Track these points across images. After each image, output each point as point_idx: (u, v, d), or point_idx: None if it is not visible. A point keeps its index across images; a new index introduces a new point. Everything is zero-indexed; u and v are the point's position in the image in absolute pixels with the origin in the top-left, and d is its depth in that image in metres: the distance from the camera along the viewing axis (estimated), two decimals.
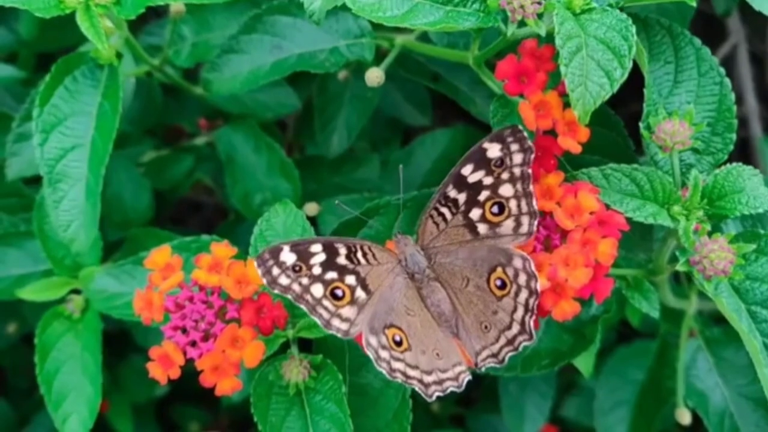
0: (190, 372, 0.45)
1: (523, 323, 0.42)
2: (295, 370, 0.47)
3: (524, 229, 0.42)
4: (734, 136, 0.46)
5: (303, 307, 0.42)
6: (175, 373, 0.44)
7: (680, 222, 0.42)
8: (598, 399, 0.70)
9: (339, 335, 0.43)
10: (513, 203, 0.42)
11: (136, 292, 0.46)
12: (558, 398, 0.78)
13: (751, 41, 0.82)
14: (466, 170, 0.43)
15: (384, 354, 0.42)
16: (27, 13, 0.67)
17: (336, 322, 0.43)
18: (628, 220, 0.42)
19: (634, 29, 0.39)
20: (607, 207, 0.42)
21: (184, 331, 0.45)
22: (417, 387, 0.43)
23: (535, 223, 0.42)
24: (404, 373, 0.42)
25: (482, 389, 0.84)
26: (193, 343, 0.44)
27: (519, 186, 0.42)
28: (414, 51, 0.57)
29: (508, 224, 0.42)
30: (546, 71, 0.43)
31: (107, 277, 0.58)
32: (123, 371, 0.81)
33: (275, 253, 0.42)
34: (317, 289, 0.42)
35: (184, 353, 0.44)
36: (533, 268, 0.41)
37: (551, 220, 0.42)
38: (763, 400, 0.57)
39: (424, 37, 0.57)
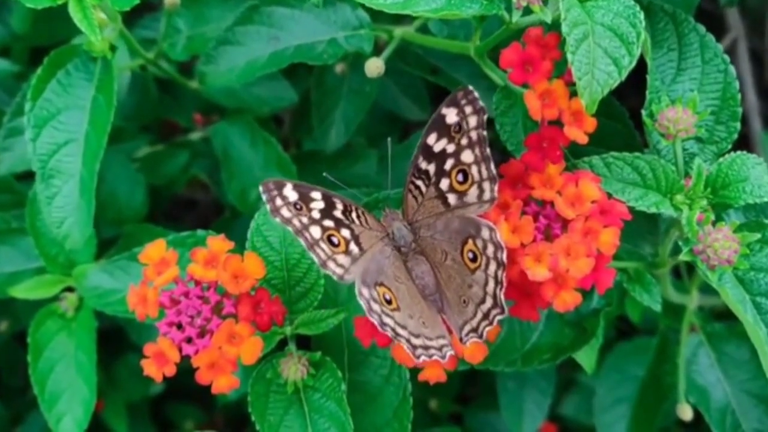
0: (185, 369, 0.44)
1: (494, 296, 0.41)
2: (294, 368, 0.46)
3: (487, 195, 0.42)
4: (738, 125, 0.45)
5: (302, 241, 0.42)
6: (171, 371, 0.43)
7: (683, 211, 0.41)
8: (598, 396, 0.70)
9: (334, 278, 0.43)
10: (474, 169, 0.41)
11: (130, 288, 0.45)
12: (557, 396, 0.77)
13: (749, 38, 0.82)
14: (431, 139, 0.42)
15: (375, 307, 0.42)
16: (20, 5, 0.66)
17: (332, 265, 0.42)
18: (633, 212, 0.42)
19: (642, 16, 0.38)
20: (609, 196, 0.42)
21: (180, 327, 0.44)
22: (405, 346, 0.42)
23: (496, 188, 0.41)
24: (394, 330, 0.42)
25: (481, 386, 0.84)
26: (189, 340, 0.43)
27: (477, 151, 0.41)
28: (413, 43, 0.57)
29: (473, 192, 0.42)
30: (552, 59, 0.43)
31: (101, 274, 0.57)
32: (118, 369, 0.80)
33: (279, 185, 0.42)
34: (315, 231, 0.42)
35: (180, 350, 0.43)
36: (499, 238, 0.41)
37: (552, 210, 0.42)
38: (766, 396, 0.56)
39: (423, 28, 0.56)
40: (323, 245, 0.42)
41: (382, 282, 0.43)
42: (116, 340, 0.74)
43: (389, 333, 0.42)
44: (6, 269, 0.63)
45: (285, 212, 0.42)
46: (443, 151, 0.42)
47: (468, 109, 0.41)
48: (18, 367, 0.77)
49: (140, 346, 0.45)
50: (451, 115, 0.41)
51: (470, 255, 0.42)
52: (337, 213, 0.43)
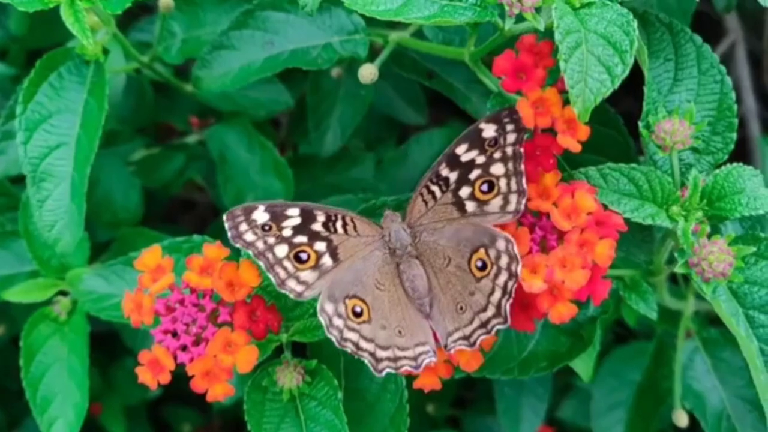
0: (182, 373, 0.44)
1: (499, 306, 0.42)
2: (289, 376, 0.46)
3: (512, 207, 0.42)
4: (735, 136, 0.45)
5: (261, 263, 0.43)
6: (165, 378, 0.43)
7: (679, 223, 0.41)
8: (594, 400, 0.70)
9: (291, 296, 0.43)
10: (503, 182, 0.42)
11: (126, 294, 0.45)
12: (554, 399, 0.77)
13: (748, 41, 0.82)
14: (461, 149, 0.43)
15: (338, 322, 0.42)
16: (16, 8, 0.66)
17: (292, 283, 0.43)
18: (627, 220, 0.42)
19: (635, 24, 0.38)
20: (605, 207, 0.42)
21: (175, 334, 0.44)
22: (367, 360, 0.42)
23: (523, 201, 0.42)
24: (356, 344, 0.42)
25: (478, 391, 0.84)
26: (184, 348, 0.43)
27: (510, 165, 0.42)
28: (408, 48, 0.56)
29: (496, 202, 0.42)
30: (545, 67, 0.43)
31: (96, 278, 0.57)
32: (115, 373, 0.80)
33: (248, 210, 0.43)
34: (281, 250, 0.43)
35: (175, 358, 0.43)
36: (516, 250, 0.41)
37: (548, 221, 0.42)
38: (760, 402, 0.56)
39: (418, 33, 0.56)
40: (286, 263, 0.43)
41: (355, 294, 0.43)
42: (114, 344, 0.74)
43: (349, 348, 0.42)
44: (0, 272, 0.63)
45: (248, 236, 0.42)
46: (471, 161, 0.42)
47: (509, 127, 0.42)
48: (14, 371, 0.77)
49: (135, 350, 0.45)
50: (489, 131, 0.42)
51: (479, 263, 0.42)
52: (316, 226, 0.43)
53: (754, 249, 0.41)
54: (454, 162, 0.43)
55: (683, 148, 0.42)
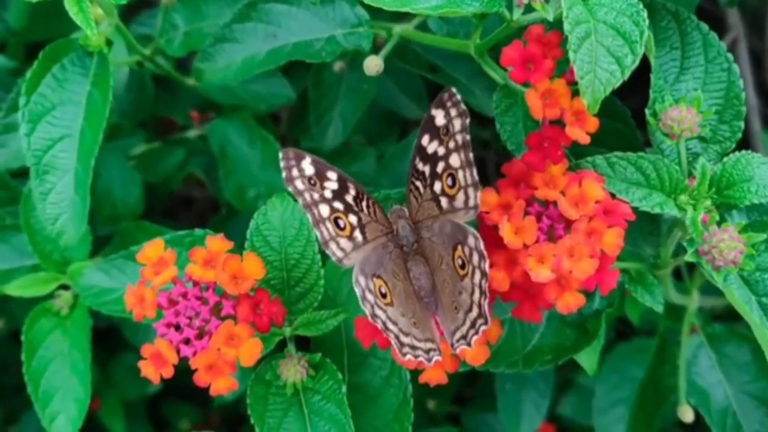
0: (182, 368, 0.43)
1: (479, 306, 0.41)
2: (293, 369, 0.46)
3: (471, 202, 0.41)
4: (742, 124, 0.45)
5: (308, 216, 0.42)
6: (168, 372, 0.43)
7: (687, 212, 0.41)
8: (597, 397, 0.69)
9: (333, 259, 0.42)
10: (461, 174, 0.41)
11: (128, 288, 0.45)
12: (555, 396, 0.77)
13: (749, 38, 0.82)
14: (425, 141, 0.42)
15: (369, 297, 0.42)
16: (16, 1, 0.65)
17: (333, 246, 0.42)
18: (635, 212, 0.41)
19: (645, 14, 0.38)
20: (613, 196, 0.41)
21: (178, 328, 0.43)
22: (393, 341, 0.42)
23: (479, 195, 0.41)
24: (384, 324, 0.42)
25: (479, 387, 0.83)
26: (187, 341, 0.43)
27: (462, 155, 0.41)
28: (412, 41, 0.56)
29: (460, 197, 0.41)
30: (553, 58, 0.42)
31: (97, 273, 0.56)
32: (114, 368, 0.79)
33: (299, 157, 0.42)
34: (324, 209, 0.42)
35: (178, 351, 0.42)
36: (483, 246, 0.40)
37: (555, 210, 0.41)
38: (767, 398, 0.56)
39: (423, 26, 0.56)
40: (328, 225, 0.42)
41: (380, 275, 0.42)
42: (113, 339, 0.74)
43: (379, 325, 0.42)
44: (0, 266, 0.63)
45: (299, 184, 0.42)
46: (435, 153, 0.41)
47: (453, 112, 0.41)
48: (13, 366, 0.76)
49: (136, 345, 0.44)
50: (439, 117, 0.41)
51: (459, 262, 0.42)
52: (349, 198, 0.43)
53: (764, 236, 0.41)
54: (423, 155, 0.42)
55: (691, 137, 0.41)
